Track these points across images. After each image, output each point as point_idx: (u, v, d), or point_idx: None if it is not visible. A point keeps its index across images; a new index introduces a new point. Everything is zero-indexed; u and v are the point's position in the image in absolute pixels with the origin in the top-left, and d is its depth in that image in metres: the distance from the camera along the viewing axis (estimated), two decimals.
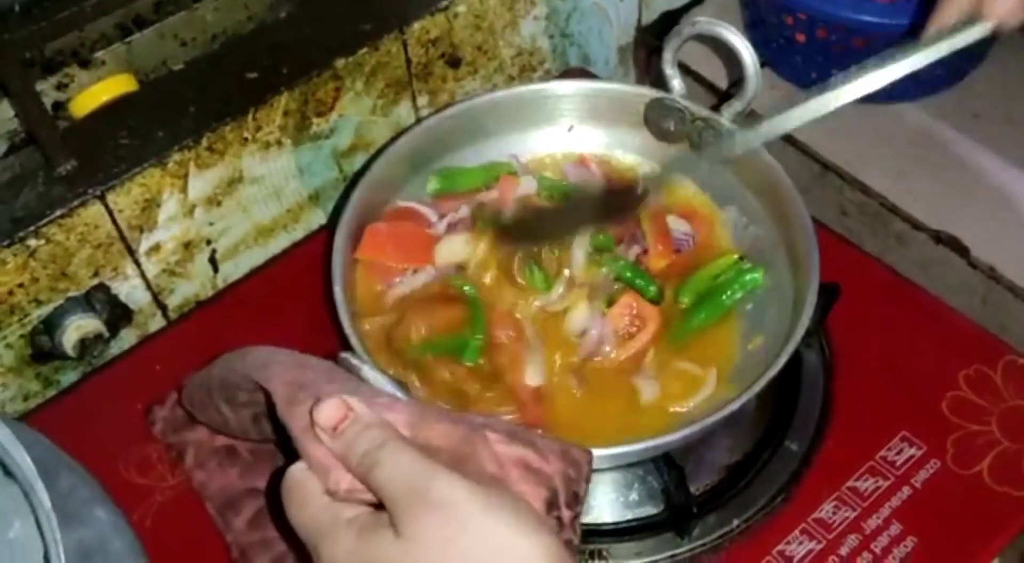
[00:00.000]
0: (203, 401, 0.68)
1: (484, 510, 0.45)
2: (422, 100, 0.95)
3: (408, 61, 0.90)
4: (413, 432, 0.50)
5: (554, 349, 0.77)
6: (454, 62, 0.95)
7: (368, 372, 0.56)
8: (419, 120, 0.94)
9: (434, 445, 0.50)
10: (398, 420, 0.51)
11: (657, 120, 0.85)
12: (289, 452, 0.53)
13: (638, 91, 0.87)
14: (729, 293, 0.79)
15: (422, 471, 0.47)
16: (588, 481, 0.53)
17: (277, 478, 0.52)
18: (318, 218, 0.94)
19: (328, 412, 0.49)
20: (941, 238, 0.90)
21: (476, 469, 0.49)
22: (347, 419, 0.49)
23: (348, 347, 0.70)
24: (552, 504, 0.50)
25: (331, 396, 0.50)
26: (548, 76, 1.05)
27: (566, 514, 0.51)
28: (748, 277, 0.79)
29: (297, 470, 0.51)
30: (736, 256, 0.81)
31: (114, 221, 0.78)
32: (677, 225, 0.84)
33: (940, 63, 0.95)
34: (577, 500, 0.52)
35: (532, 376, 0.75)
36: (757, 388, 0.67)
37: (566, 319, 0.78)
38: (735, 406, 0.67)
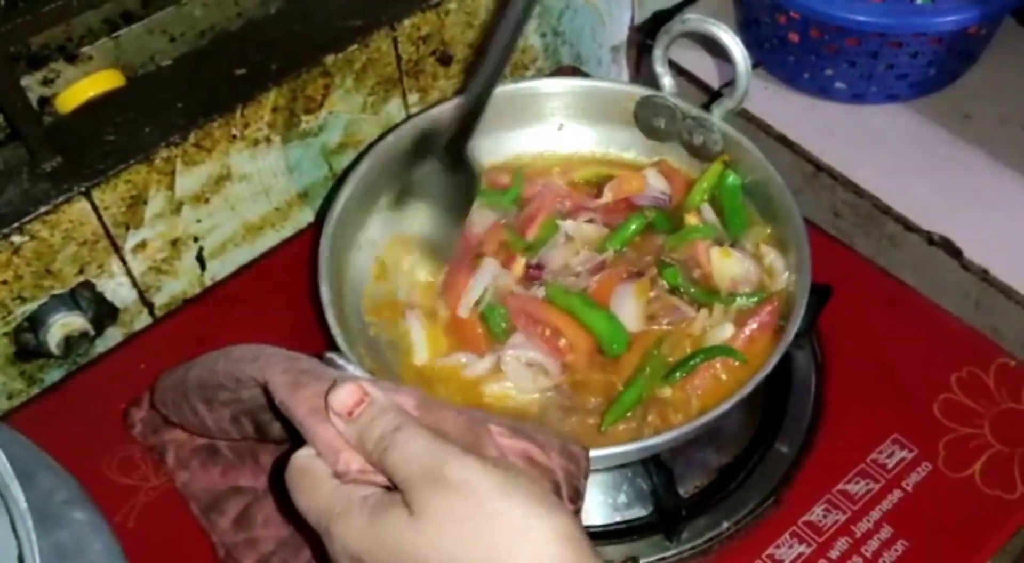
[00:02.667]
0: (177, 402, 0.67)
1: (500, 491, 0.45)
2: (412, 98, 0.94)
3: (399, 58, 0.90)
4: (421, 414, 0.50)
5: None
6: (445, 60, 0.94)
7: (354, 372, 0.56)
8: (409, 117, 0.93)
9: (444, 429, 0.50)
10: (407, 402, 0.51)
11: (647, 118, 0.85)
12: (295, 440, 0.52)
13: (628, 89, 0.87)
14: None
15: (437, 452, 0.46)
16: (587, 477, 0.53)
17: (280, 466, 0.51)
18: (306, 216, 0.93)
19: (343, 397, 0.49)
20: (934, 240, 0.90)
21: (483, 456, 0.49)
22: (363, 403, 0.49)
23: (335, 347, 0.70)
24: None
25: (345, 380, 0.50)
26: (540, 74, 1.04)
27: (568, 508, 0.50)
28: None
29: (302, 456, 0.50)
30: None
31: (100, 218, 0.77)
32: (655, 181, 0.84)
33: (933, 64, 0.96)
34: (578, 495, 0.52)
35: None
36: (748, 389, 0.67)
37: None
38: (725, 408, 0.66)
